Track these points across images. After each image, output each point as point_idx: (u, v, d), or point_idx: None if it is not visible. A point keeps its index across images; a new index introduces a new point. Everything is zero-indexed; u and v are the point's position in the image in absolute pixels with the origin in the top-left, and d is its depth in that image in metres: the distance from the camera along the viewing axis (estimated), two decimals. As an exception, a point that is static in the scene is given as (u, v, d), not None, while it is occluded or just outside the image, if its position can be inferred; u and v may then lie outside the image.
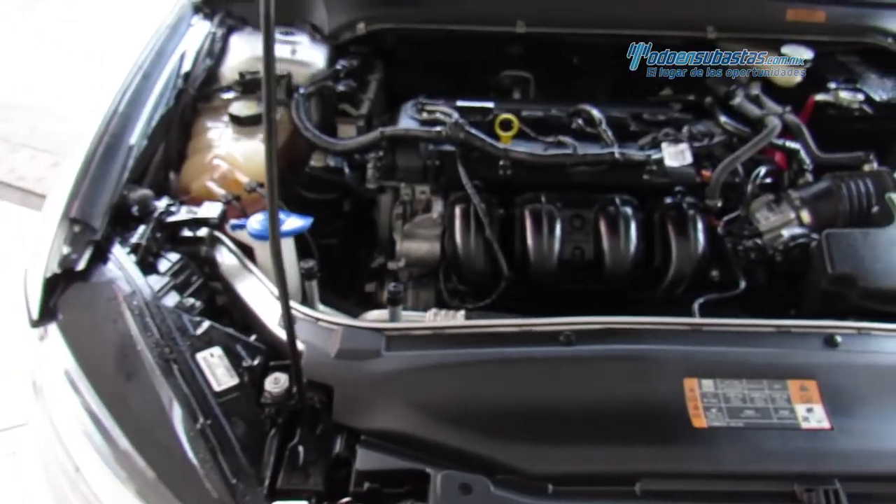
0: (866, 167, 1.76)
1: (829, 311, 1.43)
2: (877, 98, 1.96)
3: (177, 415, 1.14)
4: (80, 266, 1.32)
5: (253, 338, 1.29)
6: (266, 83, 0.78)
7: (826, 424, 1.14)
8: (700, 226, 1.66)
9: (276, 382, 1.17)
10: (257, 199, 1.61)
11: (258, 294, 1.36)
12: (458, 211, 1.67)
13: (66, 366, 1.22)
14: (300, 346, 1.22)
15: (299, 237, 1.57)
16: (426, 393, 1.17)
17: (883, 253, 1.46)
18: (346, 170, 1.83)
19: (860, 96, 1.95)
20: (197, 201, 1.54)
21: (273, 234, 0.92)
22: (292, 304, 1.30)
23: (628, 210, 1.68)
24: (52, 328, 1.26)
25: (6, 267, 3.01)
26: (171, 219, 1.47)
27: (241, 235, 1.49)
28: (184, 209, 1.50)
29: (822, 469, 1.10)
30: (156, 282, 1.33)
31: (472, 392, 1.18)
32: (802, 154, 1.79)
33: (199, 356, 1.22)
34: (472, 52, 2.26)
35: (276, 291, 1.29)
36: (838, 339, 1.25)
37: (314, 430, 1.17)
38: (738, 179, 1.76)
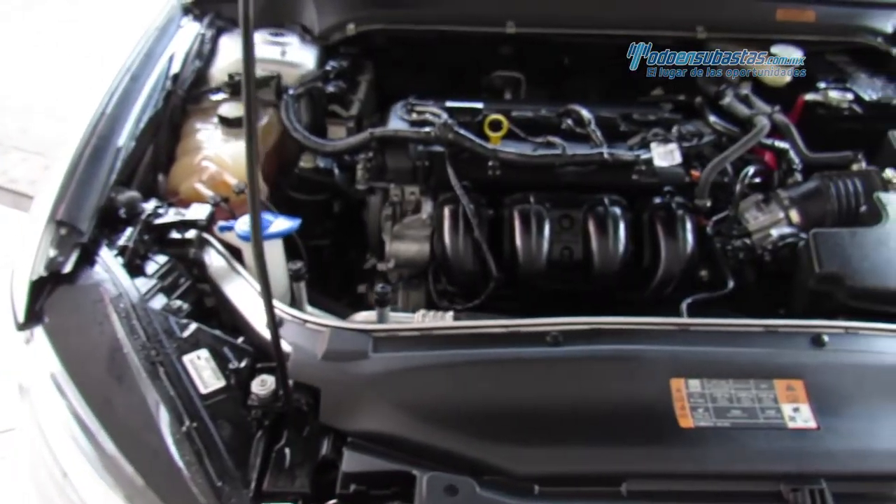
0: (855, 167, 1.76)
1: (818, 311, 1.43)
2: (866, 97, 1.96)
3: (163, 418, 1.13)
4: (67, 269, 1.32)
5: (240, 340, 1.29)
6: (245, 84, 0.78)
7: (812, 424, 1.14)
8: (689, 226, 1.66)
9: (262, 384, 1.17)
10: (245, 201, 1.61)
11: (246, 296, 1.36)
12: (446, 212, 1.67)
13: (53, 369, 1.22)
14: (287, 347, 1.23)
15: (288, 238, 1.57)
16: (413, 394, 1.17)
17: (870, 252, 1.46)
18: (336, 171, 1.83)
19: (850, 96, 1.95)
20: (185, 203, 1.54)
21: (255, 237, 0.92)
22: (280, 305, 1.31)
23: (617, 210, 1.68)
24: (38, 331, 1.26)
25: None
26: (158, 221, 1.47)
27: (230, 237, 1.49)
28: (172, 211, 1.50)
29: (809, 469, 1.10)
30: (143, 284, 1.33)
31: (459, 393, 1.18)
32: (791, 154, 1.79)
33: (186, 358, 1.21)
34: (462, 52, 2.25)
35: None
36: (825, 338, 1.25)
37: (301, 432, 1.17)
38: (727, 179, 1.76)
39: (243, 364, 1.22)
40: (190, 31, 2.02)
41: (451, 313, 1.47)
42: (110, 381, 1.19)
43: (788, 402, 1.17)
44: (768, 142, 1.80)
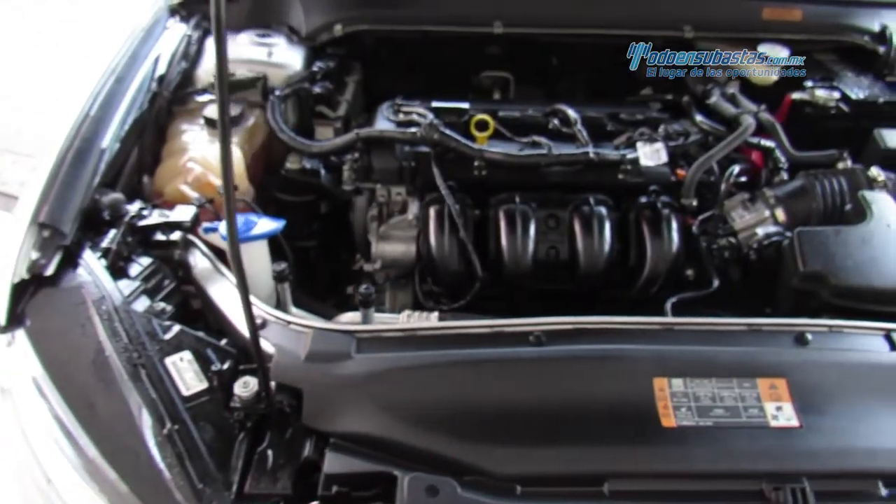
0: (840, 165, 1.76)
1: (802, 310, 1.43)
2: (853, 96, 1.97)
3: (145, 421, 1.13)
4: (49, 271, 1.31)
5: (224, 342, 1.28)
6: (219, 86, 0.77)
7: (795, 422, 1.14)
8: (674, 225, 1.67)
9: (245, 386, 1.17)
10: (231, 202, 1.60)
11: (230, 297, 1.35)
12: (432, 212, 1.67)
13: (34, 373, 1.21)
14: (270, 349, 1.23)
15: (274, 239, 1.57)
16: (395, 395, 1.17)
17: (854, 251, 1.46)
18: (323, 172, 1.83)
19: (836, 94, 1.96)
20: (170, 204, 1.54)
21: (231, 239, 0.91)
22: (263, 306, 1.31)
23: (602, 210, 1.68)
24: (20, 334, 1.26)
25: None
26: (142, 223, 1.46)
27: (214, 238, 1.48)
28: (156, 213, 1.49)
29: (790, 467, 1.10)
30: (126, 286, 1.32)
31: (442, 394, 1.18)
32: (777, 152, 1.79)
33: (168, 360, 1.21)
34: (451, 52, 2.25)
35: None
36: (809, 337, 1.26)
37: (284, 433, 1.16)
38: (713, 178, 1.76)
39: (226, 366, 1.21)
40: (176, 32, 2.01)
41: (436, 314, 1.47)
42: (92, 385, 1.18)
43: (771, 400, 1.17)
44: (754, 140, 1.80)
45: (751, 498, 1.08)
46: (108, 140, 1.57)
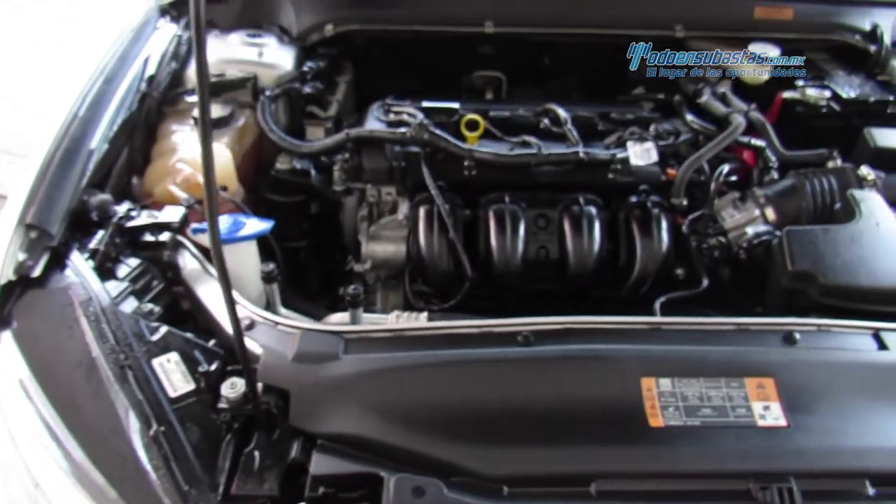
0: (830, 164, 1.76)
1: (792, 309, 1.43)
2: (844, 95, 1.97)
3: (131, 422, 1.12)
4: (36, 272, 1.31)
5: (212, 343, 1.28)
6: (199, 85, 0.77)
7: (783, 422, 1.14)
8: (664, 224, 1.67)
9: (232, 387, 1.16)
10: (220, 203, 1.60)
11: (218, 298, 1.35)
12: (421, 212, 1.67)
13: (21, 375, 1.20)
14: (258, 350, 1.22)
15: (263, 240, 1.56)
16: (382, 396, 1.17)
17: (843, 250, 1.46)
18: (313, 172, 1.82)
19: (827, 93, 1.96)
20: (159, 205, 1.53)
21: (213, 239, 0.91)
22: (251, 307, 1.31)
23: (592, 209, 1.68)
24: (6, 336, 1.25)
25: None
26: (131, 223, 1.45)
27: (203, 239, 1.48)
28: (145, 213, 1.49)
29: (778, 467, 1.10)
30: (114, 287, 1.32)
31: (429, 394, 1.18)
32: (767, 151, 1.79)
33: (155, 362, 1.21)
34: (442, 52, 2.25)
35: (237, 295, 1.28)
36: (797, 336, 1.25)
37: (271, 434, 1.16)
38: (703, 178, 1.76)
39: (213, 367, 1.21)
40: (166, 32, 2.01)
41: (425, 314, 1.47)
42: (79, 387, 1.18)
43: (759, 400, 1.17)
44: (744, 140, 1.80)
45: (738, 497, 1.07)
46: (97, 141, 1.56)
